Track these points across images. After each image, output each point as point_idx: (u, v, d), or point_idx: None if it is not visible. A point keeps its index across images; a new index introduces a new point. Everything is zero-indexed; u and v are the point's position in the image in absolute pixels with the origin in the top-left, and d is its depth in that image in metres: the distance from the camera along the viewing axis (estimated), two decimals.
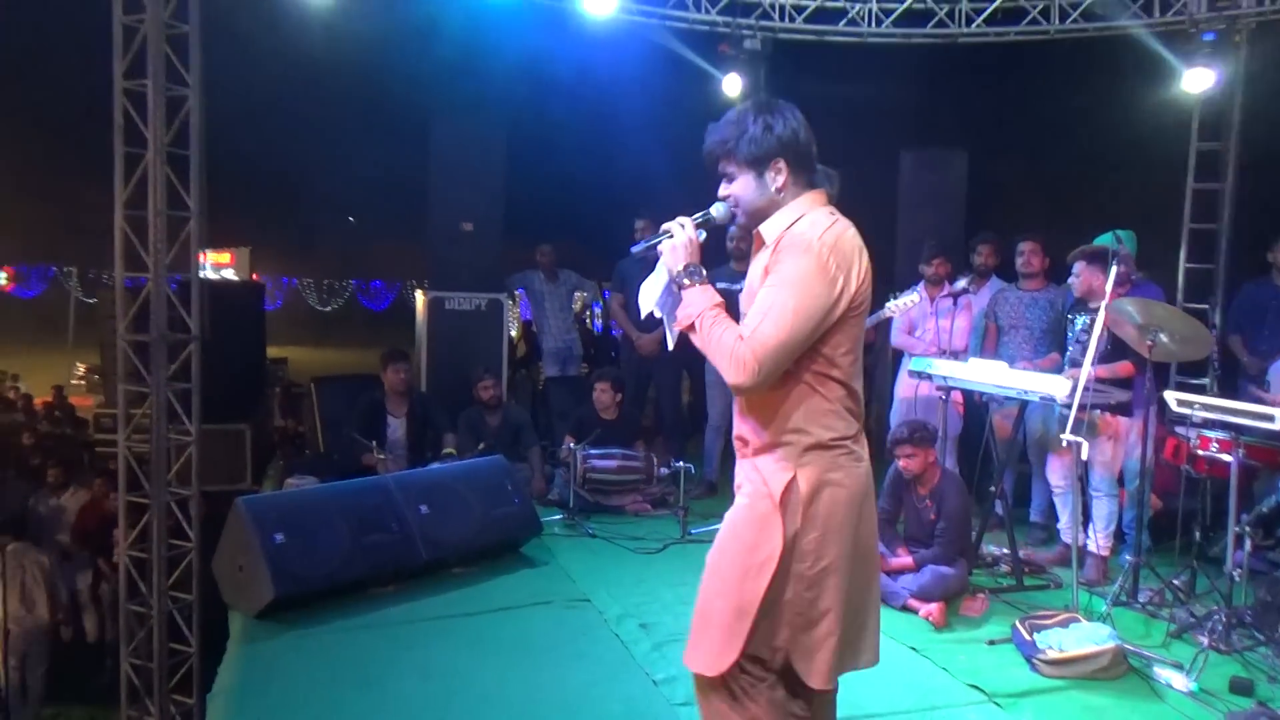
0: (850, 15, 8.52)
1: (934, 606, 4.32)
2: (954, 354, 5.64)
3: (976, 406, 5.60)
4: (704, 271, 2.27)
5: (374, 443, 5.99)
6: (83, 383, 17.53)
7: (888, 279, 7.32)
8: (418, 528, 4.64)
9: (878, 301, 5.90)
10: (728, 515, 2.31)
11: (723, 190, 2.31)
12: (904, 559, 4.61)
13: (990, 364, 4.91)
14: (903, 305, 5.51)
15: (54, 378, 16.18)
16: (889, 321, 5.96)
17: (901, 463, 4.66)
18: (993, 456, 5.07)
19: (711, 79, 8.76)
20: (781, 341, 2.08)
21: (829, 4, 8.54)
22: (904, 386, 5.95)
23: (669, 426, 6.99)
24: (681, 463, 5.82)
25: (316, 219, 30.16)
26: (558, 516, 5.81)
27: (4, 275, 32.19)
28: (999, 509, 4.97)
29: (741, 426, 2.30)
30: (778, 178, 2.23)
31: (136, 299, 5.56)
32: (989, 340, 5.71)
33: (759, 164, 2.24)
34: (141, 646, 5.61)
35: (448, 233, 7.56)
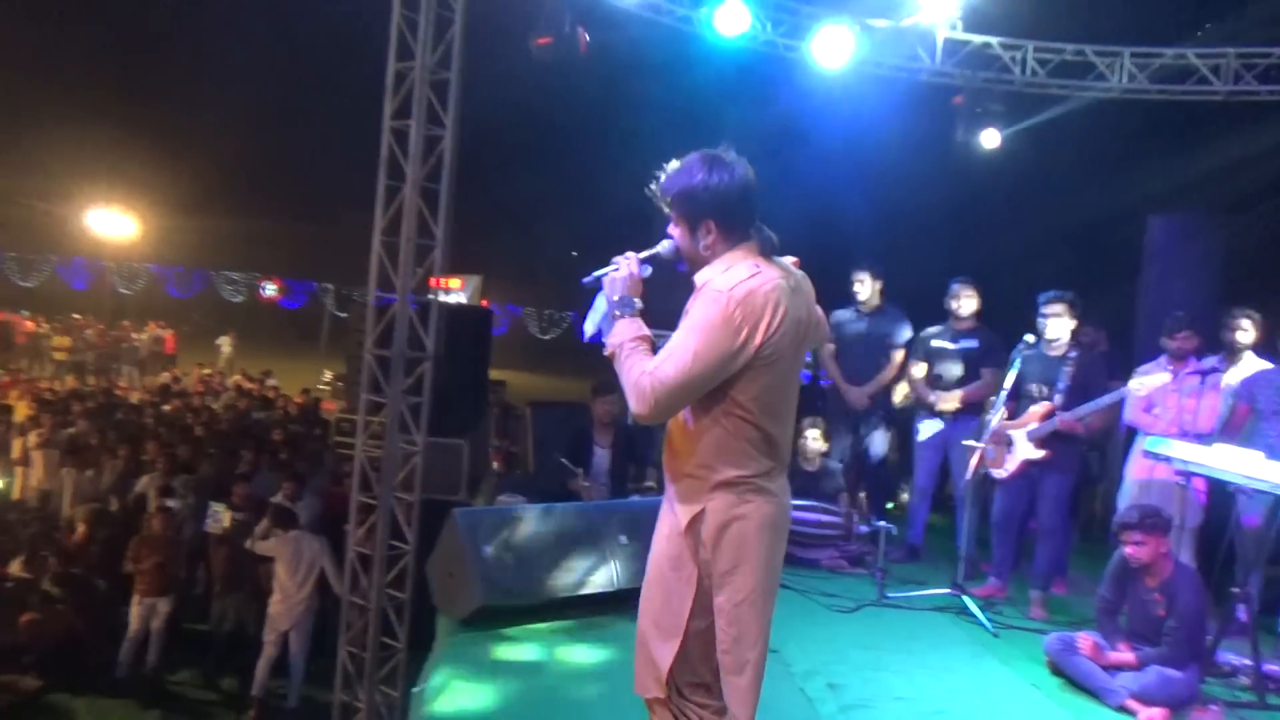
0: (1098, 69, 8.07)
1: (1157, 713, 3.93)
2: (1197, 436, 5.15)
3: (1222, 496, 5.07)
4: (637, 304, 2.43)
5: (580, 469, 6.20)
6: (328, 388, 19.21)
7: (1125, 349, 6.80)
8: (615, 556, 4.76)
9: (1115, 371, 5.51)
10: (652, 545, 2.52)
11: (671, 229, 2.46)
12: (1125, 655, 4.23)
13: (1244, 451, 4.44)
14: (1151, 384, 5.09)
15: (304, 381, 17.86)
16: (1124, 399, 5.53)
17: (1128, 549, 4.28)
18: (1237, 554, 4.57)
19: (946, 130, 8.55)
20: (679, 381, 2.23)
21: (1073, 58, 8.13)
22: (1137, 467, 5.49)
23: (873, 484, 6.79)
24: (883, 523, 5.63)
25: (542, 251, 31.76)
26: None
27: (275, 287, 36.00)
28: (1241, 613, 4.48)
29: (663, 457, 2.48)
30: (707, 236, 2.38)
31: (383, 317, 6.09)
32: (1234, 423, 5.17)
33: (691, 221, 2.39)
34: (357, 637, 6.05)
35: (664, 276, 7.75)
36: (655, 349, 2.36)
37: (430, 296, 6.29)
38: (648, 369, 2.27)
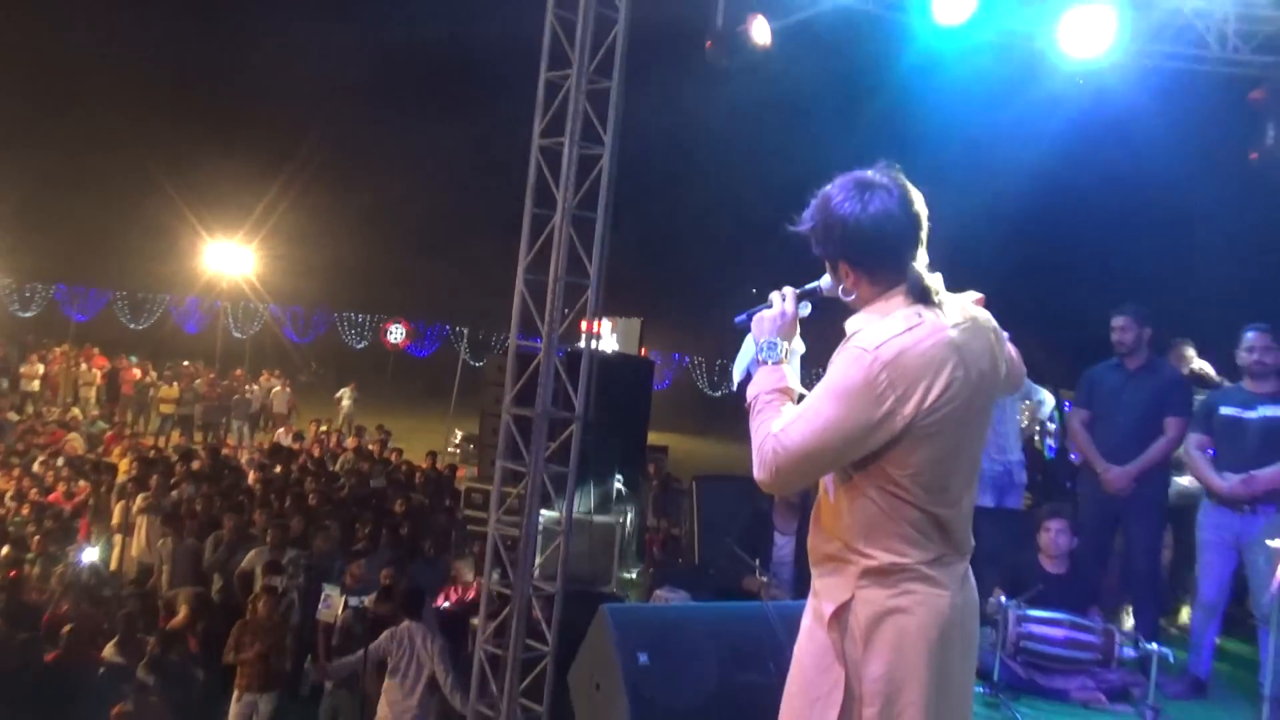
0: None
1: None
2: None
3: None
4: (784, 349, 2.49)
5: (757, 561, 6.13)
6: (458, 451, 19.90)
7: None
8: None
9: None
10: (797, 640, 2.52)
11: None
12: None
13: None
14: None
15: (432, 442, 18.59)
16: None
17: None
18: None
19: (1237, 132, 8.11)
20: (805, 450, 2.26)
21: None
22: None
23: (1141, 593, 6.39)
24: (1156, 645, 5.28)
25: (715, 290, 32.01)
26: (977, 689, 5.52)
27: (402, 330, 37.84)
28: None
29: (810, 535, 2.52)
30: (846, 279, 2.45)
31: (525, 369, 6.27)
32: None
33: (829, 260, 2.48)
34: None
35: None
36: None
37: (581, 344, 6.44)
38: (774, 430, 2.31)
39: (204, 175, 31.51)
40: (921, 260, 2.42)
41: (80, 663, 7.90)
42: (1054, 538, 5.95)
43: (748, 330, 2.61)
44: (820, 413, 2.27)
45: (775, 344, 2.50)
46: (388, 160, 32.58)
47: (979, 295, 2.58)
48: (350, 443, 18.98)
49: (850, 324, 2.43)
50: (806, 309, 2.58)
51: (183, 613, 8.45)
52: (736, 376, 2.66)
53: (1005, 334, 2.61)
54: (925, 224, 2.42)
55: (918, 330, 2.31)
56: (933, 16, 7.74)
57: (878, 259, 2.41)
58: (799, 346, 2.58)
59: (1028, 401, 8.27)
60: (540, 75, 6.10)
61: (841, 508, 2.40)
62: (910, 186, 2.41)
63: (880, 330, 2.31)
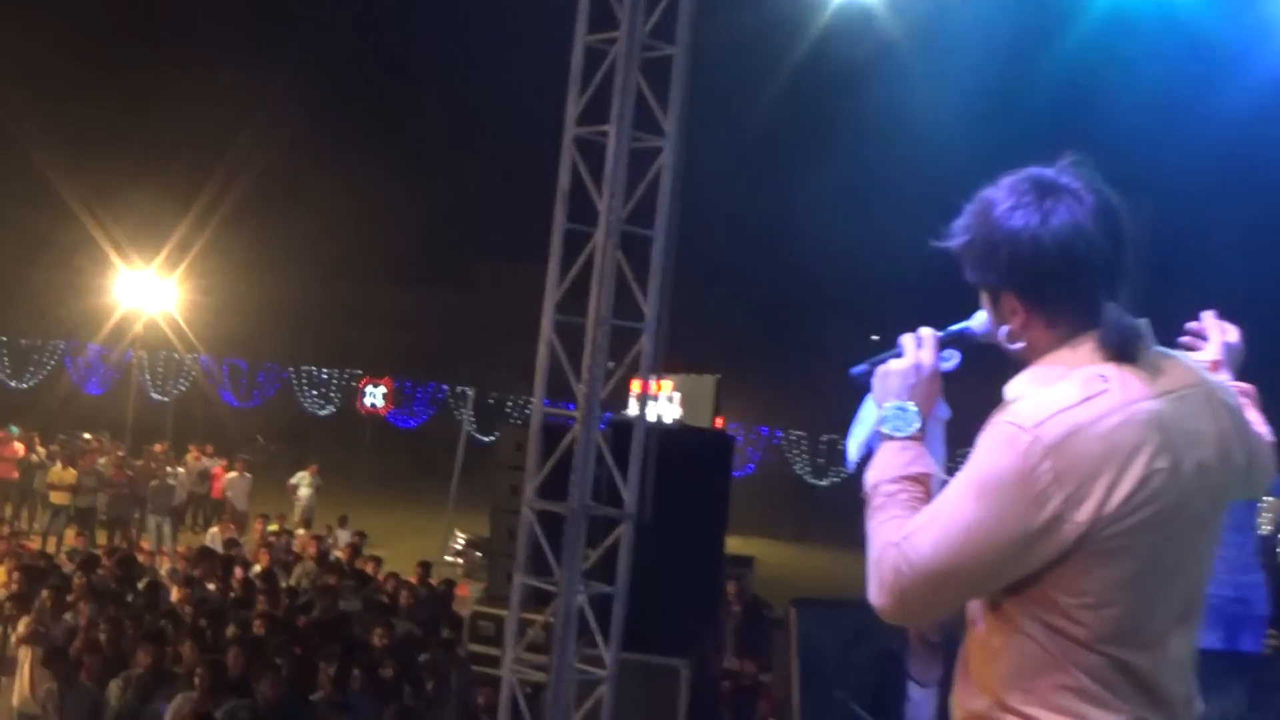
0: None
1: None
2: None
3: None
4: (919, 417, 2.39)
5: None
6: (459, 561, 19.90)
7: None
8: None
9: None
10: None
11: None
12: None
13: None
14: None
15: (423, 549, 18.60)
16: None
17: None
18: None
19: None
20: (936, 568, 2.17)
21: None
22: None
23: None
24: None
25: (817, 339, 31.84)
26: None
27: (383, 391, 38.06)
28: None
29: (954, 687, 2.44)
30: (1012, 317, 2.34)
31: (554, 446, 6.24)
32: None
33: (989, 290, 2.38)
34: None
35: None
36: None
37: (633, 412, 6.42)
38: (895, 537, 2.23)
39: (113, 182, 32.14)
40: (1121, 298, 2.36)
41: None
42: None
43: (868, 388, 2.54)
44: (958, 516, 2.18)
45: (905, 410, 2.41)
46: (360, 161, 32.96)
47: (1214, 359, 2.48)
48: (310, 548, 19.06)
49: (1012, 388, 2.34)
50: (953, 360, 2.49)
51: None
52: (853, 455, 2.56)
53: (1248, 404, 2.52)
54: (1129, 245, 2.36)
55: (1101, 401, 2.19)
56: None
57: (1060, 292, 2.29)
58: (942, 413, 2.51)
59: (1269, 499, 8.12)
60: (576, 40, 6.11)
61: (991, 647, 2.31)
62: (1108, 192, 2.32)
63: (1046, 400, 2.21)
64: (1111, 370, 2.24)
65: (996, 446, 2.18)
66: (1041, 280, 2.30)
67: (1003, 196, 2.32)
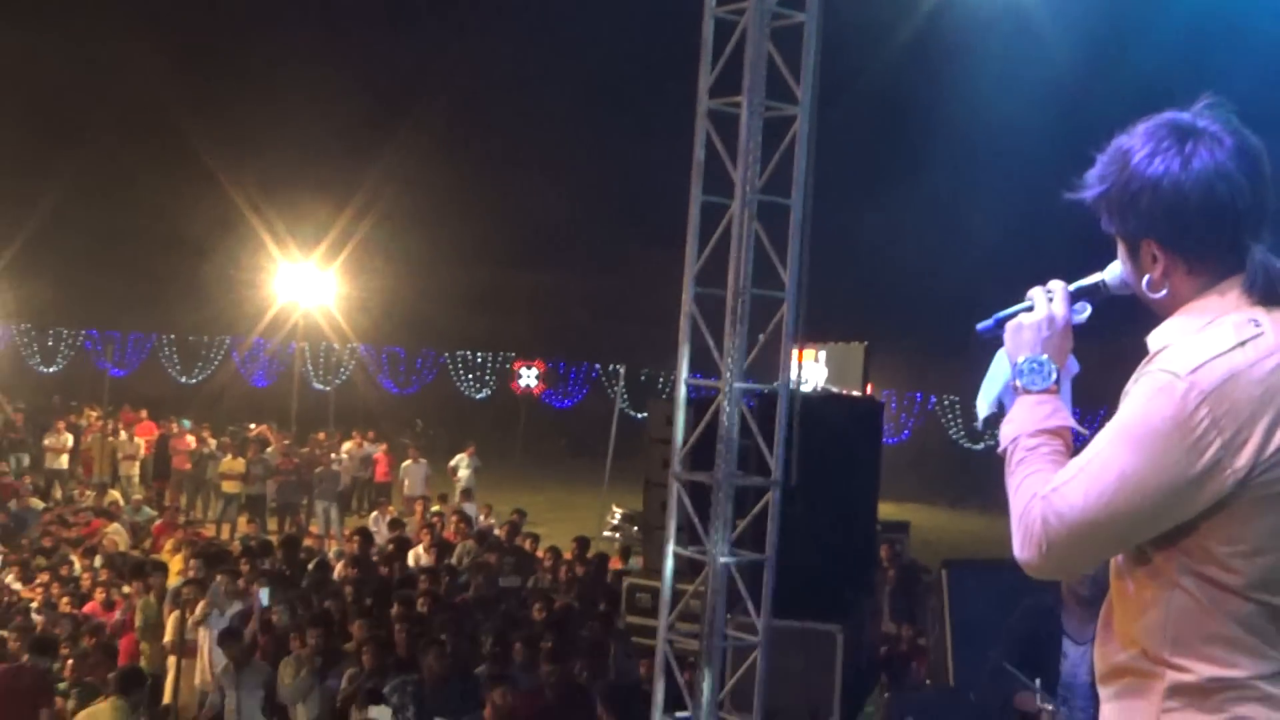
0: None
1: None
2: None
3: None
4: (1054, 371, 2.35)
5: (1037, 681, 5.97)
6: (616, 536, 20.01)
7: None
8: None
9: None
10: None
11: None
12: None
13: None
14: None
15: (581, 524, 18.78)
16: None
17: None
18: None
19: None
20: (1089, 518, 2.12)
21: None
22: None
23: None
24: None
25: (971, 303, 31.25)
26: None
27: (537, 373, 38.42)
28: None
29: (1096, 641, 2.41)
30: (1153, 266, 2.29)
31: (699, 418, 6.27)
32: None
33: (1127, 238, 2.34)
34: None
35: None
36: (1076, 451, 2.26)
37: (778, 382, 6.41)
38: (1043, 490, 2.20)
39: (273, 176, 32.91)
40: (1265, 239, 2.26)
41: None
42: None
43: (997, 343, 2.50)
44: (1111, 465, 2.13)
45: (1041, 363, 2.37)
46: (510, 149, 33.29)
47: None
48: (460, 527, 19.28)
49: (1155, 337, 2.30)
50: (1085, 312, 2.44)
51: None
52: (982, 410, 2.53)
53: None
54: (1271, 186, 2.26)
55: (1256, 344, 2.14)
56: None
57: (1203, 238, 2.24)
58: (1072, 368, 2.45)
59: None
60: (705, 10, 6.12)
61: (1139, 600, 2.27)
62: (1246, 132, 2.25)
63: (1199, 346, 2.16)
64: (1261, 314, 2.20)
65: (1151, 394, 2.15)
66: (1185, 227, 2.25)
67: (1140, 143, 2.27)
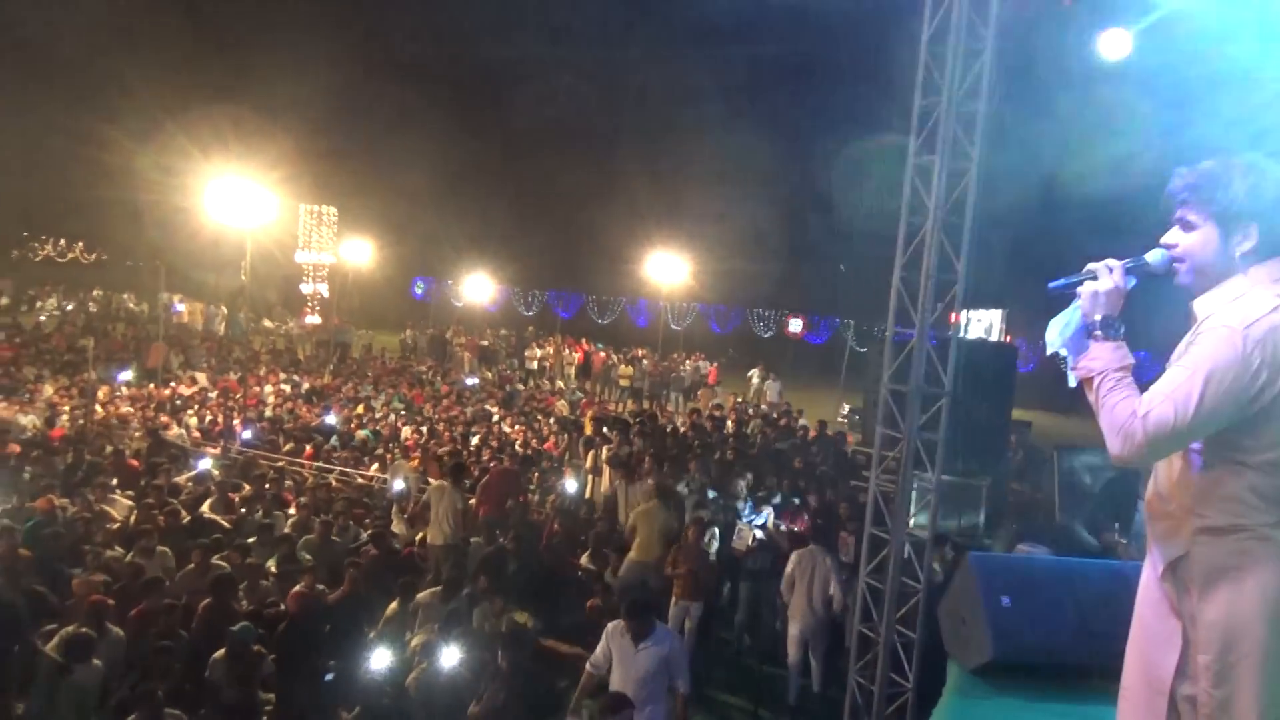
0: None
1: None
2: None
3: None
4: (1121, 326, 2.14)
5: (1116, 525, 5.57)
6: (845, 421, 19.71)
7: None
8: None
9: None
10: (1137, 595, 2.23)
11: (1170, 237, 2.13)
12: None
13: None
14: None
15: (823, 413, 18.55)
16: None
17: None
18: None
19: None
20: (1178, 430, 1.96)
21: None
22: None
23: None
24: None
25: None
26: None
27: (801, 323, 38.09)
28: None
29: (1147, 493, 2.22)
30: (1244, 243, 2.04)
31: (900, 353, 6.10)
32: None
33: (1230, 222, 2.04)
34: (867, 669, 6.09)
35: None
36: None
37: (950, 333, 6.17)
38: (1138, 410, 2.00)
39: (650, 198, 33.40)
40: None
41: (563, 566, 8.74)
42: None
43: (1062, 298, 2.28)
44: (1192, 391, 1.96)
45: (1112, 320, 2.16)
46: (783, 181, 32.73)
47: None
48: (757, 411, 19.40)
49: (1201, 304, 2.10)
50: (1131, 283, 2.20)
51: (630, 530, 9.07)
52: (1052, 346, 2.29)
53: None
54: None
55: None
56: None
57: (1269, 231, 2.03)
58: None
59: None
60: (914, 103, 5.89)
61: (1181, 472, 2.10)
62: None
63: (1243, 308, 1.99)
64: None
65: (1219, 341, 1.98)
66: (1275, 223, 2.03)
67: (1244, 169, 2.03)
